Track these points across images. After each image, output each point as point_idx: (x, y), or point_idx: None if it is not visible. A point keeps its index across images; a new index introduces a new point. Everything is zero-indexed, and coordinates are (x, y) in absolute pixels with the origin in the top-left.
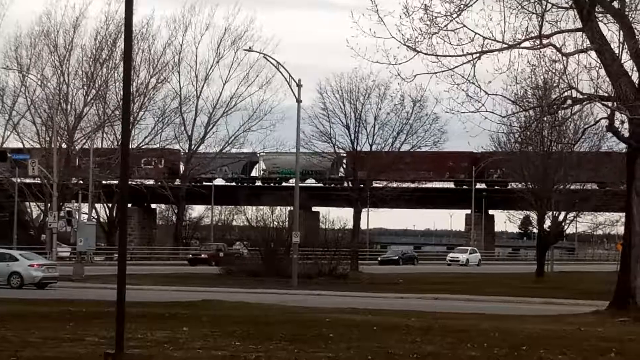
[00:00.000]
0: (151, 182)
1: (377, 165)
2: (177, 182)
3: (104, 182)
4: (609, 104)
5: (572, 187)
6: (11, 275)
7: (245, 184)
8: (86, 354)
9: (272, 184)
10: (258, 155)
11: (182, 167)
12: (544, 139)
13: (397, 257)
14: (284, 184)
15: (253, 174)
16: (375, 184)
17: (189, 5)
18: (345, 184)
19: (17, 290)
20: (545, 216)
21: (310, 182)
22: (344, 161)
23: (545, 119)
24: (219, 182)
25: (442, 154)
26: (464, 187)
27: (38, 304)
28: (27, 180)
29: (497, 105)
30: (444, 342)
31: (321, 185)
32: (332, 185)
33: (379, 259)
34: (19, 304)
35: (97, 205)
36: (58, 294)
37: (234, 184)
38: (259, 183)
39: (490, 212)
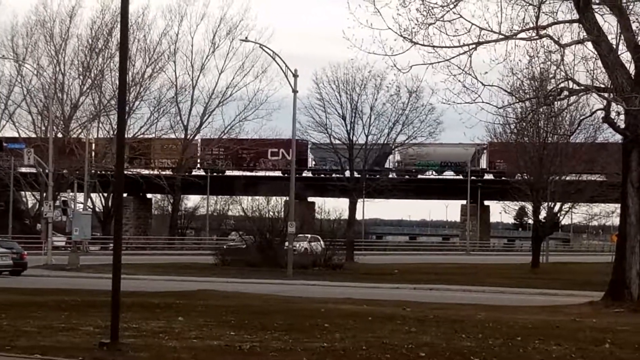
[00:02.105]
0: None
1: None
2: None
3: (100, 171)
4: (605, 95)
5: (567, 178)
6: None
7: (378, 176)
8: (81, 343)
9: (407, 176)
10: (392, 145)
11: (310, 157)
12: (539, 130)
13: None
14: (419, 176)
15: (386, 165)
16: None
17: None
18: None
19: None
20: (541, 207)
21: (449, 174)
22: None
23: (541, 110)
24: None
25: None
26: (460, 177)
27: (33, 293)
28: (23, 170)
29: (493, 96)
30: (439, 332)
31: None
32: (474, 177)
33: (224, 246)
34: (13, 293)
35: (93, 195)
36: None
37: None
38: (392, 175)
39: (486, 202)
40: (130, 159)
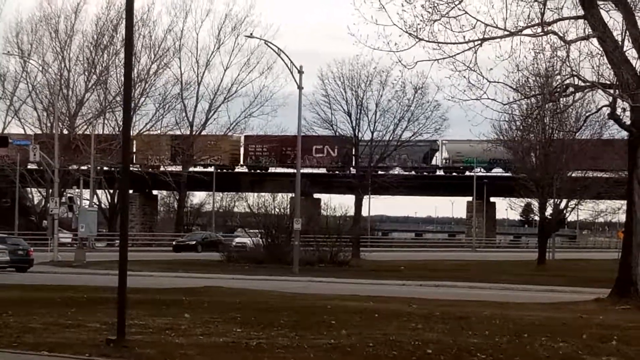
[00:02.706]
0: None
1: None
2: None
3: (105, 168)
4: (611, 91)
5: (573, 175)
6: None
7: (425, 173)
8: (88, 340)
9: (454, 173)
10: (440, 142)
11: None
12: (545, 127)
13: (194, 243)
14: (467, 173)
15: (433, 162)
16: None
17: None
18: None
19: None
20: (547, 204)
21: (498, 171)
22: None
23: (547, 106)
24: (397, 171)
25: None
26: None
27: (39, 289)
28: (29, 166)
29: (499, 93)
30: (446, 329)
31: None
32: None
33: (174, 243)
34: (20, 290)
35: (99, 191)
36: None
37: (413, 173)
38: (440, 172)
39: (492, 199)
40: (172, 155)
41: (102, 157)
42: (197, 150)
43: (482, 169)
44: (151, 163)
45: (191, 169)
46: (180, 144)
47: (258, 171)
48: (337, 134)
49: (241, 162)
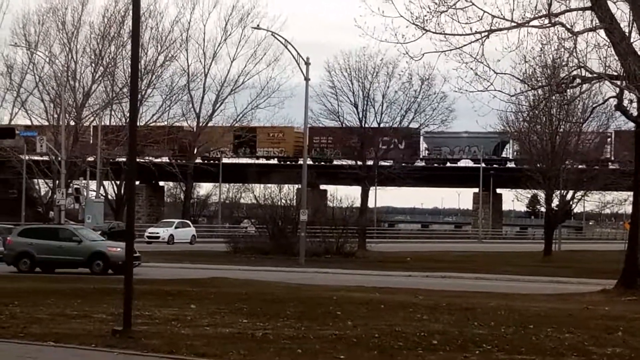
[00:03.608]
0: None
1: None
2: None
3: (112, 159)
4: (618, 83)
5: (580, 166)
6: None
7: (495, 165)
8: (94, 331)
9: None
10: (509, 136)
11: (422, 146)
12: (552, 118)
13: (99, 232)
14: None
15: (504, 154)
16: (383, 163)
17: None
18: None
19: None
20: (553, 195)
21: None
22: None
23: (553, 97)
24: (465, 162)
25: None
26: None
27: (45, 280)
28: (35, 158)
29: (506, 84)
30: (451, 320)
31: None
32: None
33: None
34: (27, 280)
35: (105, 183)
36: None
37: (483, 165)
38: (511, 164)
39: (498, 190)
40: (235, 147)
41: (109, 148)
42: (261, 142)
43: None
44: (213, 155)
45: (254, 161)
46: (242, 135)
47: (322, 163)
48: (343, 125)
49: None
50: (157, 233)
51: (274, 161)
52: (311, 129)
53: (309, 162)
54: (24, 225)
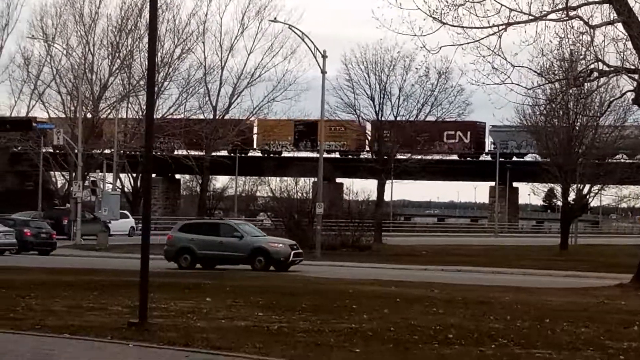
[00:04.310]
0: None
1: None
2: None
3: (128, 152)
4: (636, 76)
5: (596, 160)
6: None
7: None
8: (110, 323)
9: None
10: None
11: (488, 140)
12: (569, 112)
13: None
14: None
15: None
16: (400, 156)
17: None
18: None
19: None
20: (570, 189)
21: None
22: None
23: (570, 91)
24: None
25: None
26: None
27: (62, 273)
28: (52, 150)
29: (523, 78)
30: (467, 314)
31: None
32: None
33: None
34: (42, 273)
35: (122, 175)
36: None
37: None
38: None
39: (515, 184)
40: (295, 140)
41: (125, 140)
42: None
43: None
44: (273, 149)
45: (316, 155)
46: (304, 129)
47: (385, 157)
48: (360, 118)
49: (367, 148)
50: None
51: (336, 155)
52: (373, 123)
53: (367, 155)
54: (185, 220)
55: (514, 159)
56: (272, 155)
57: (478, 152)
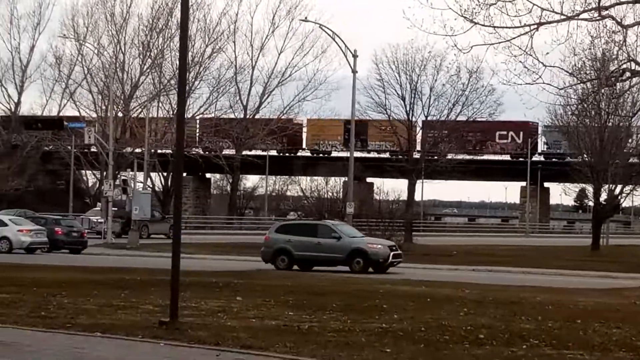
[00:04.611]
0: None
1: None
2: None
3: (159, 151)
4: None
5: (629, 160)
6: (0, 240)
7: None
8: (141, 322)
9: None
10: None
11: (541, 140)
12: (601, 112)
13: None
14: None
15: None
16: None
17: None
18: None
19: (6, 254)
20: (602, 189)
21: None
22: None
23: (602, 91)
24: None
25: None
26: (520, 159)
27: (93, 271)
28: (83, 149)
29: (555, 77)
30: (498, 314)
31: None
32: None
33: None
34: (74, 271)
35: (153, 174)
36: (110, 261)
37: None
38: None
39: (546, 184)
40: (345, 140)
41: (156, 139)
42: (372, 135)
43: None
44: (323, 148)
45: (365, 155)
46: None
47: (435, 157)
48: (390, 118)
49: (418, 148)
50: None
51: (386, 155)
52: (424, 122)
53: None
54: (282, 221)
55: (567, 159)
56: (321, 155)
57: (531, 153)
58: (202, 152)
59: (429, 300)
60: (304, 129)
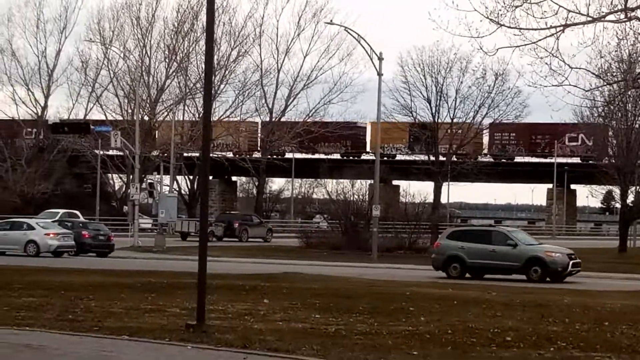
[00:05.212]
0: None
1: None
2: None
3: (185, 154)
4: None
5: None
6: (28, 244)
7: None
8: (168, 325)
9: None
10: None
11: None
12: (627, 114)
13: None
14: None
15: None
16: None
17: None
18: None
19: (34, 258)
20: (629, 191)
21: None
22: None
23: (629, 93)
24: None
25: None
26: (546, 160)
27: (120, 275)
28: (110, 152)
29: (581, 79)
30: (525, 316)
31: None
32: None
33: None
34: (101, 275)
35: (179, 178)
36: (137, 264)
37: (492, 160)
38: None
39: (572, 186)
40: (410, 144)
41: (182, 143)
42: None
43: None
44: (387, 152)
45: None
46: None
47: (503, 161)
48: (416, 120)
49: (485, 151)
50: None
51: (453, 158)
52: (492, 126)
53: (489, 159)
54: (454, 227)
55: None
56: (386, 158)
57: (600, 156)
58: (261, 157)
59: (456, 302)
60: (368, 132)
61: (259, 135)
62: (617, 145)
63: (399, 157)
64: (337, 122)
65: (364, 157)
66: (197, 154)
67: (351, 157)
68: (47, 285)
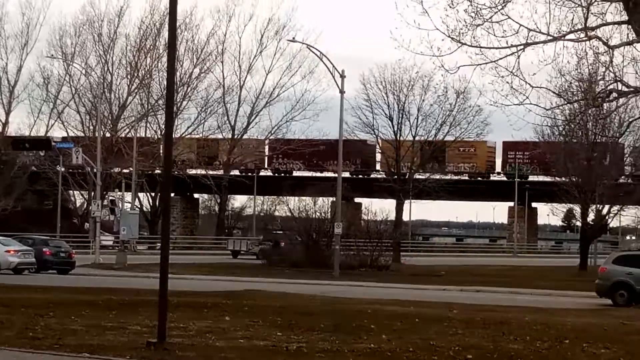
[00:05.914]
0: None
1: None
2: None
3: (147, 171)
4: None
5: (616, 181)
6: None
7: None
8: (129, 343)
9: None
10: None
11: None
12: (588, 132)
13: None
14: None
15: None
16: (418, 176)
17: None
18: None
19: None
20: (589, 209)
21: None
22: None
23: (590, 111)
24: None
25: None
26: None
27: (81, 292)
28: (71, 169)
29: (542, 98)
30: (486, 334)
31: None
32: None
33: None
34: (62, 292)
35: (140, 195)
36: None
37: (453, 177)
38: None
39: (534, 204)
40: (422, 162)
41: (144, 160)
42: (451, 157)
43: None
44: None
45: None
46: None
47: (517, 179)
48: (378, 138)
49: (498, 170)
50: None
51: (465, 177)
52: (505, 144)
53: (501, 177)
54: (620, 252)
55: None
56: (395, 177)
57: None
58: (271, 174)
59: (417, 320)
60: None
61: (219, 150)
62: (578, 163)
63: (360, 175)
64: (348, 139)
65: (373, 175)
66: (159, 171)
67: (360, 176)
68: (7, 302)
